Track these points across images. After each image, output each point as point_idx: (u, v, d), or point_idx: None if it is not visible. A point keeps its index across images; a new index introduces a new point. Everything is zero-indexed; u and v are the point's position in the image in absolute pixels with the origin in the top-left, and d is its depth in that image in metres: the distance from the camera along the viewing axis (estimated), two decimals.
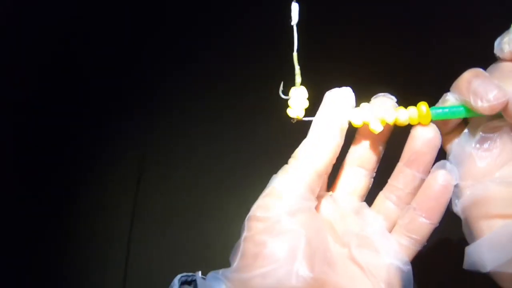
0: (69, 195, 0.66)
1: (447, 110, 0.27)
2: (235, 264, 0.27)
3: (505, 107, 0.24)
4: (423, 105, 0.28)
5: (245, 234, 0.27)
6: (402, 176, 0.29)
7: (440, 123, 0.28)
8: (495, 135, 0.27)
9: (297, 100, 0.30)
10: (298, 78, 0.30)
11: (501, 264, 0.25)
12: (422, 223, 0.28)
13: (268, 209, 0.27)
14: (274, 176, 0.28)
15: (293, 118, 0.30)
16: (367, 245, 0.29)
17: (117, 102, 0.70)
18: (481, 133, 0.27)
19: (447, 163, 0.29)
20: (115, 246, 0.64)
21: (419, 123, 0.28)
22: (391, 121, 0.28)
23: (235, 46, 0.67)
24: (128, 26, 0.70)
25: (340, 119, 0.28)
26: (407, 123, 0.28)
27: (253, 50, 0.66)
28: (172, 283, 0.29)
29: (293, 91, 0.30)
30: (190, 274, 0.30)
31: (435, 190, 0.27)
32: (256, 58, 0.65)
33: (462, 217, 0.28)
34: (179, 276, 0.29)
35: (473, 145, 0.28)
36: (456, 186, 0.28)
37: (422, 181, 0.29)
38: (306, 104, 0.30)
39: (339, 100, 0.28)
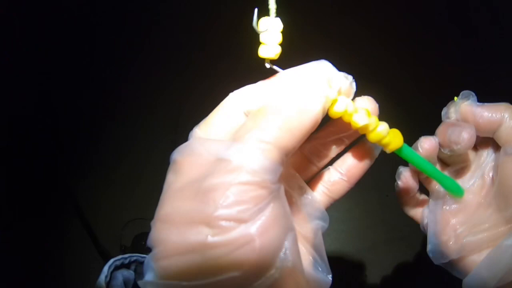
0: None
1: (415, 156, 0.28)
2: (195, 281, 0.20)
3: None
4: (399, 139, 0.26)
5: (212, 237, 0.20)
6: (335, 146, 0.28)
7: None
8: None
9: (271, 34, 0.22)
10: (272, 4, 0.22)
11: (500, 277, 0.27)
12: (344, 185, 0.29)
13: (244, 200, 0.20)
14: (227, 149, 0.21)
15: (267, 60, 0.22)
16: (297, 211, 0.27)
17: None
18: (447, 196, 0.31)
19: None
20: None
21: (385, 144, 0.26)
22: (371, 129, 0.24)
23: None
24: None
25: (327, 89, 0.22)
26: (381, 138, 0.25)
27: None
28: (102, 271, 0.27)
29: (264, 21, 0.22)
30: (127, 255, 0.28)
31: (363, 160, 0.28)
32: None
33: (455, 259, 0.30)
34: (111, 261, 0.27)
35: (443, 206, 0.31)
36: (437, 244, 0.31)
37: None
38: (279, 38, 0.22)
39: (332, 72, 0.23)
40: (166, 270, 0.21)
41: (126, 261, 0.27)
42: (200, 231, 0.20)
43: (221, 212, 0.20)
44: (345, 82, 0.23)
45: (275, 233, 0.20)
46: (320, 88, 0.22)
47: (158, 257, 0.22)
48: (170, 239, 0.21)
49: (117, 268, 0.27)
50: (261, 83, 0.23)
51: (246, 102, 0.23)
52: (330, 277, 0.26)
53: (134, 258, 0.28)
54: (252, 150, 0.20)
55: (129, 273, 0.27)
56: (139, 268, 0.28)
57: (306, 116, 0.21)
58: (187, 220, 0.21)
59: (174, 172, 0.23)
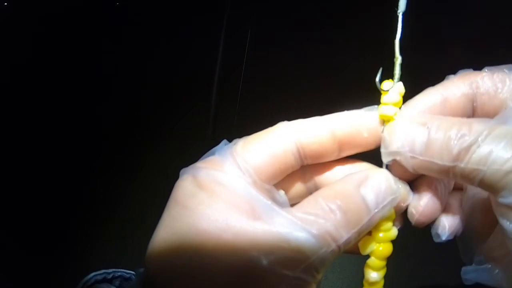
0: None
1: None
2: None
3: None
4: None
5: None
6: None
7: None
8: None
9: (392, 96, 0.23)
10: (397, 70, 0.23)
11: None
12: None
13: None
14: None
15: (384, 119, 0.23)
16: None
17: None
18: None
19: None
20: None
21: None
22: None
23: None
24: None
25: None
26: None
27: None
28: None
29: (386, 84, 0.23)
30: (110, 270, 0.26)
31: None
32: None
33: None
34: (91, 275, 0.25)
35: None
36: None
37: None
38: (398, 99, 0.23)
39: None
40: None
41: (109, 276, 0.25)
42: None
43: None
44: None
45: None
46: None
47: None
48: None
49: (98, 282, 0.25)
50: (315, 119, 0.23)
51: (299, 133, 0.23)
52: None
53: (119, 273, 0.25)
54: (323, 252, 0.20)
55: None
56: (124, 284, 0.26)
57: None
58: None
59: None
